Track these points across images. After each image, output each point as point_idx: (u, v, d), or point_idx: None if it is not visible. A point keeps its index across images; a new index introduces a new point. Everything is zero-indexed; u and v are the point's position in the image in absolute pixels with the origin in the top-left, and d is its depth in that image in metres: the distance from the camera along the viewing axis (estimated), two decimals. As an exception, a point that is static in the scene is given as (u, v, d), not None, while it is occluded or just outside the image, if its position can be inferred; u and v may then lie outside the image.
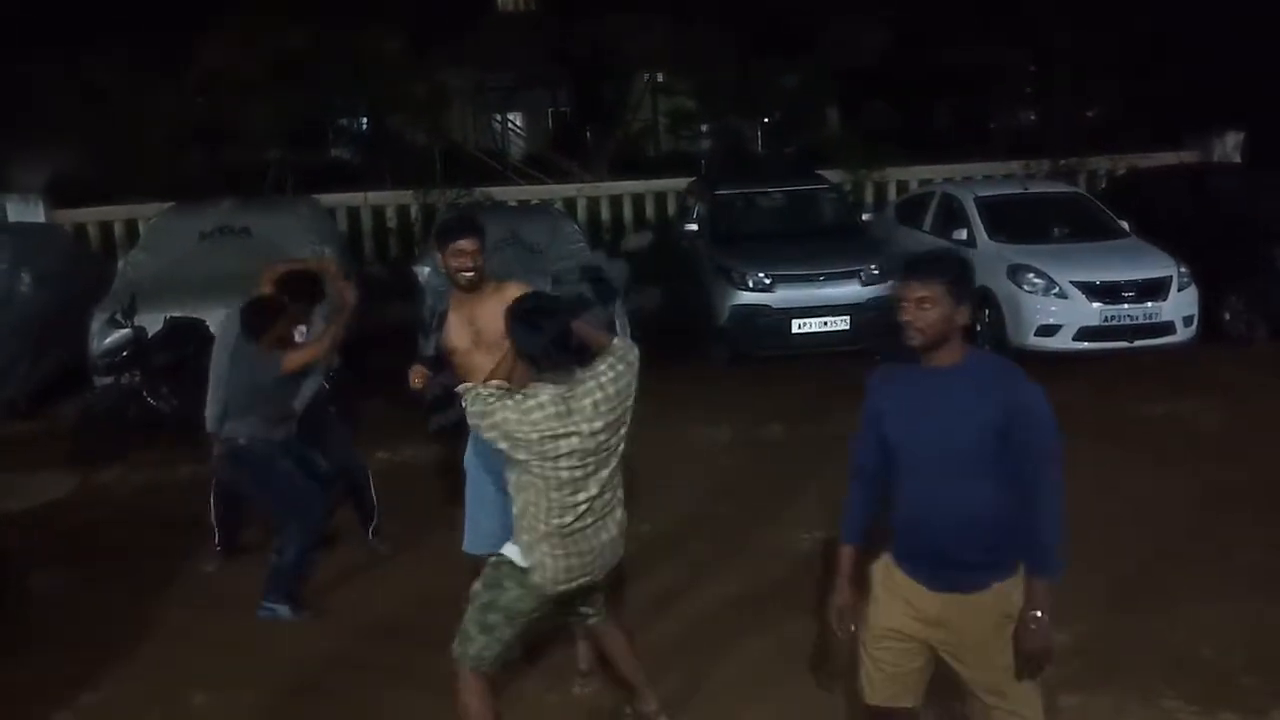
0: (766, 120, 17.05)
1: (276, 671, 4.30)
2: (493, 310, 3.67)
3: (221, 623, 4.72)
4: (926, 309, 2.70)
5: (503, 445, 3.12)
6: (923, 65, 15.26)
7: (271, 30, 12.64)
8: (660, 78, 17.02)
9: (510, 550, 3.30)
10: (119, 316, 6.94)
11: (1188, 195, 10.37)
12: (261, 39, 12.61)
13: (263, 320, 4.61)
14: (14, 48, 12.87)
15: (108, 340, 7.23)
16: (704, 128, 17.31)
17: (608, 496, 3.27)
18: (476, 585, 3.36)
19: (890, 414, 2.86)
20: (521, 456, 3.11)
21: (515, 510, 3.25)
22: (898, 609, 2.88)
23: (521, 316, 3.19)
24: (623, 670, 3.72)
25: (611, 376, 3.20)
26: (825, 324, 8.56)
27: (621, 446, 3.28)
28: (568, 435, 3.09)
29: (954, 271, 2.75)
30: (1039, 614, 2.67)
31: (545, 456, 3.09)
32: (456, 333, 3.95)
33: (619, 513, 3.36)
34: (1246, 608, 4.52)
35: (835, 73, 15.04)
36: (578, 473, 3.14)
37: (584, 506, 3.19)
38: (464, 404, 3.18)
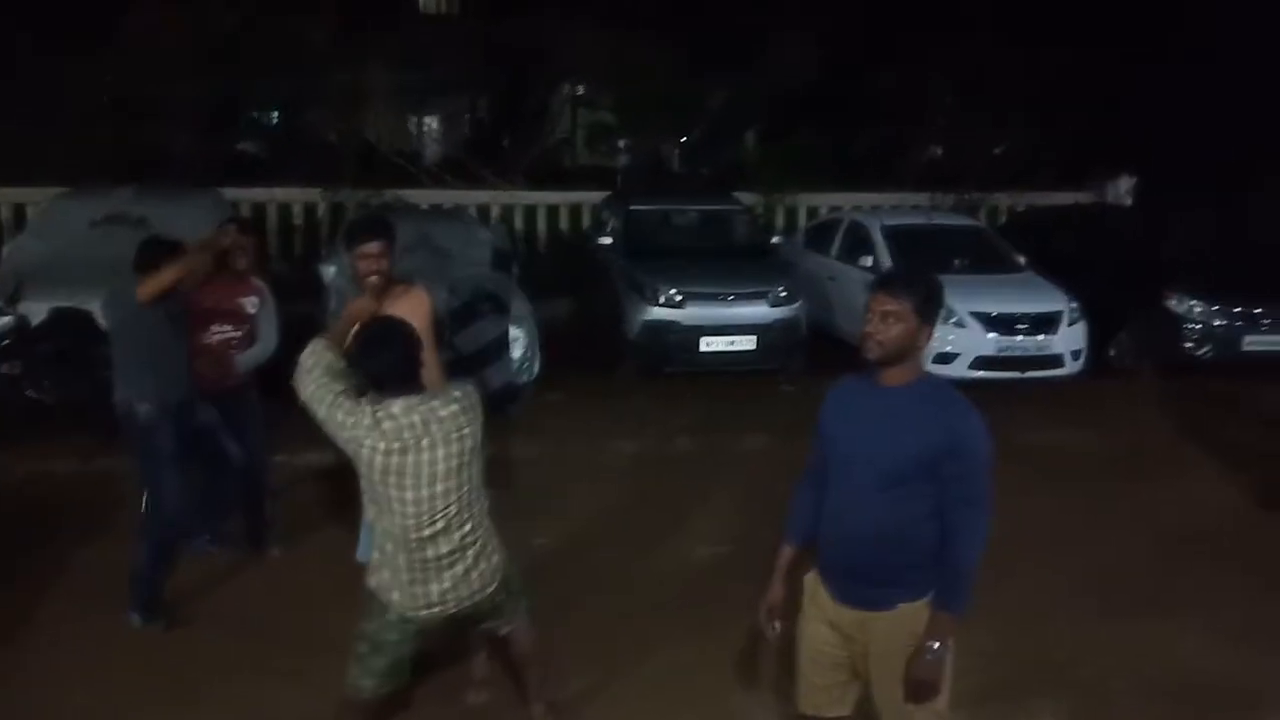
0: (684, 139, 17.21)
1: (154, 674, 4.13)
2: (401, 312, 3.60)
3: (98, 621, 4.51)
4: (890, 323, 2.71)
5: (343, 446, 3.12)
6: (839, 94, 15.59)
7: (192, 8, 12.21)
8: (581, 90, 17.04)
9: (372, 578, 3.25)
10: (2, 303, 6.62)
11: (1082, 234, 10.83)
12: (181, 17, 12.16)
13: (157, 255, 4.30)
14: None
15: (-12, 326, 6.88)
16: (622, 143, 17.37)
17: (464, 532, 3.17)
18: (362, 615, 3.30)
19: (831, 424, 2.90)
20: (362, 469, 3.10)
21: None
22: (817, 620, 2.93)
23: (365, 341, 3.17)
24: (524, 675, 3.68)
25: (449, 412, 3.11)
26: (732, 343, 8.66)
27: (471, 487, 3.19)
28: (386, 453, 3.03)
29: (924, 292, 2.77)
30: (935, 645, 2.72)
31: (372, 472, 3.06)
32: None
33: (484, 546, 3.25)
34: (1124, 627, 4.72)
35: (758, 96, 15.26)
36: (408, 495, 3.06)
37: (428, 534, 3.10)
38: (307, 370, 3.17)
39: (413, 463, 3.05)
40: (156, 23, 12.32)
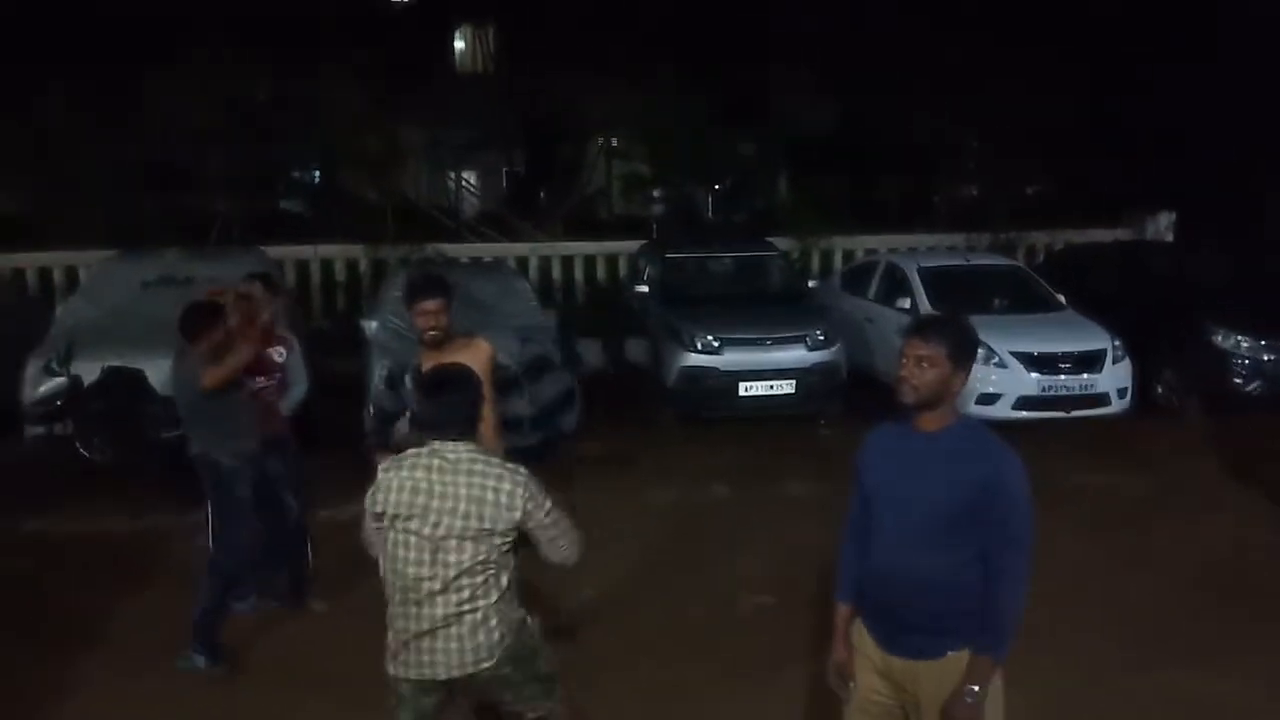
0: (718, 187, 17.35)
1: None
2: (460, 359, 3.75)
3: (143, 677, 4.57)
4: (925, 368, 2.72)
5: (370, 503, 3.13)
6: (872, 138, 15.68)
7: (229, 76, 12.59)
8: (614, 142, 17.27)
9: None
10: (54, 364, 6.78)
11: (1122, 271, 10.72)
12: (218, 84, 12.54)
13: (198, 320, 4.58)
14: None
15: (42, 388, 7.04)
16: (656, 193, 17.55)
17: (461, 598, 3.04)
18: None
19: (871, 471, 2.89)
20: (377, 508, 3.10)
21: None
22: (866, 670, 2.90)
23: (430, 383, 3.23)
24: None
25: (480, 474, 3.04)
26: (771, 387, 8.65)
27: (489, 561, 3.06)
28: (408, 489, 3.04)
29: (959, 337, 2.78)
30: (975, 688, 2.68)
31: (379, 509, 3.08)
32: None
33: (485, 620, 3.08)
34: (1171, 678, 4.60)
35: (787, 143, 15.38)
36: (410, 539, 3.04)
37: (406, 582, 3.05)
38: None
39: (421, 508, 3.02)
40: (195, 89, 12.69)
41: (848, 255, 13.61)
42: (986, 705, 2.75)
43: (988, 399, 8.24)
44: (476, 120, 16.71)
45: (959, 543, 2.70)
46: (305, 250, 12.93)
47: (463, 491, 3.02)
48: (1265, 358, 8.89)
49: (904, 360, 2.76)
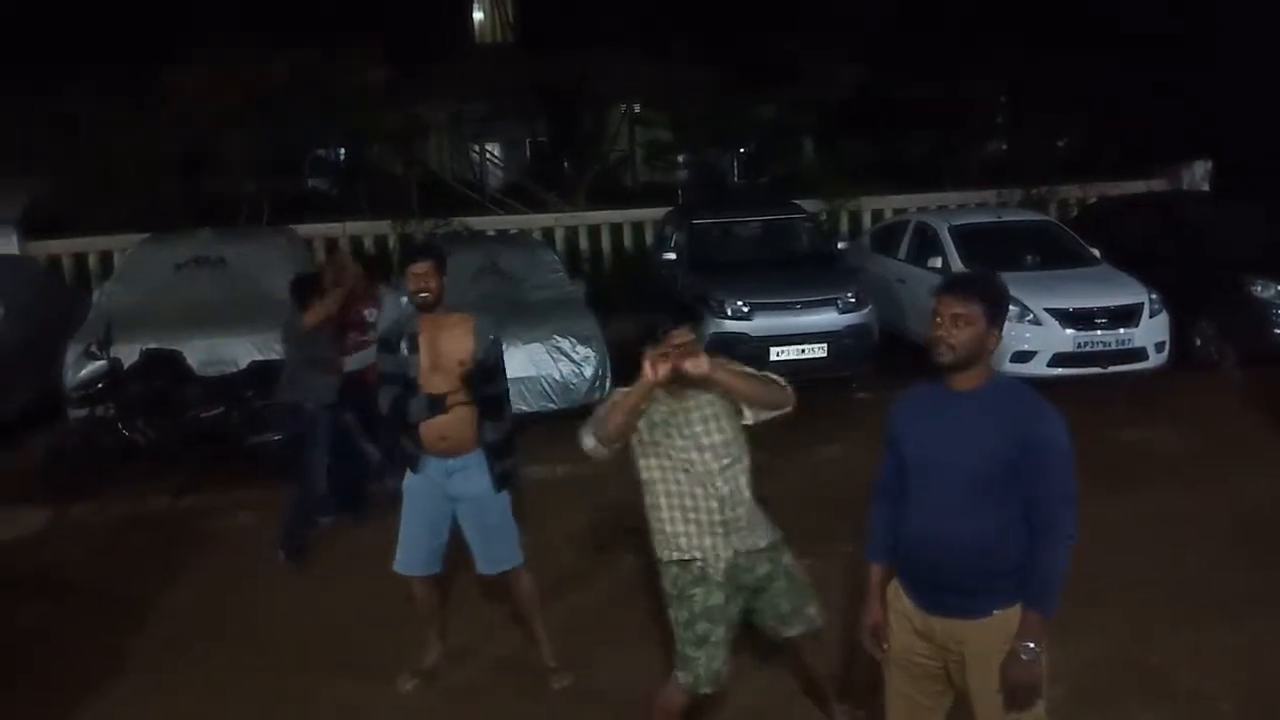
0: (743, 151, 17.20)
1: (246, 708, 4.25)
2: (453, 337, 4.04)
3: (192, 657, 4.67)
4: (961, 326, 2.68)
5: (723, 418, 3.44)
6: (897, 97, 15.47)
7: (248, 60, 12.62)
8: (637, 109, 17.15)
9: (669, 553, 3.46)
10: (94, 348, 6.89)
11: (1158, 223, 10.52)
12: (238, 69, 12.58)
13: (305, 289, 5.69)
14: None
15: (83, 372, 7.17)
16: (680, 158, 17.43)
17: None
18: (669, 612, 3.49)
19: (906, 434, 2.86)
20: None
21: (664, 506, 3.45)
22: (904, 631, 2.90)
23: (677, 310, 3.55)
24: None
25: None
26: (803, 351, 8.61)
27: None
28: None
29: (994, 292, 2.75)
30: (1030, 645, 2.65)
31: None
32: (420, 353, 4.09)
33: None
34: (1218, 632, 4.56)
35: (812, 104, 15.19)
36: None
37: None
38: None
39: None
40: (215, 73, 12.75)
41: (876, 215, 13.46)
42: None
43: (1023, 356, 8.16)
44: (498, 92, 16.65)
45: (1001, 503, 2.67)
46: (334, 228, 13.00)
47: None
48: (1306, 307, 8.72)
49: (937, 320, 2.72)
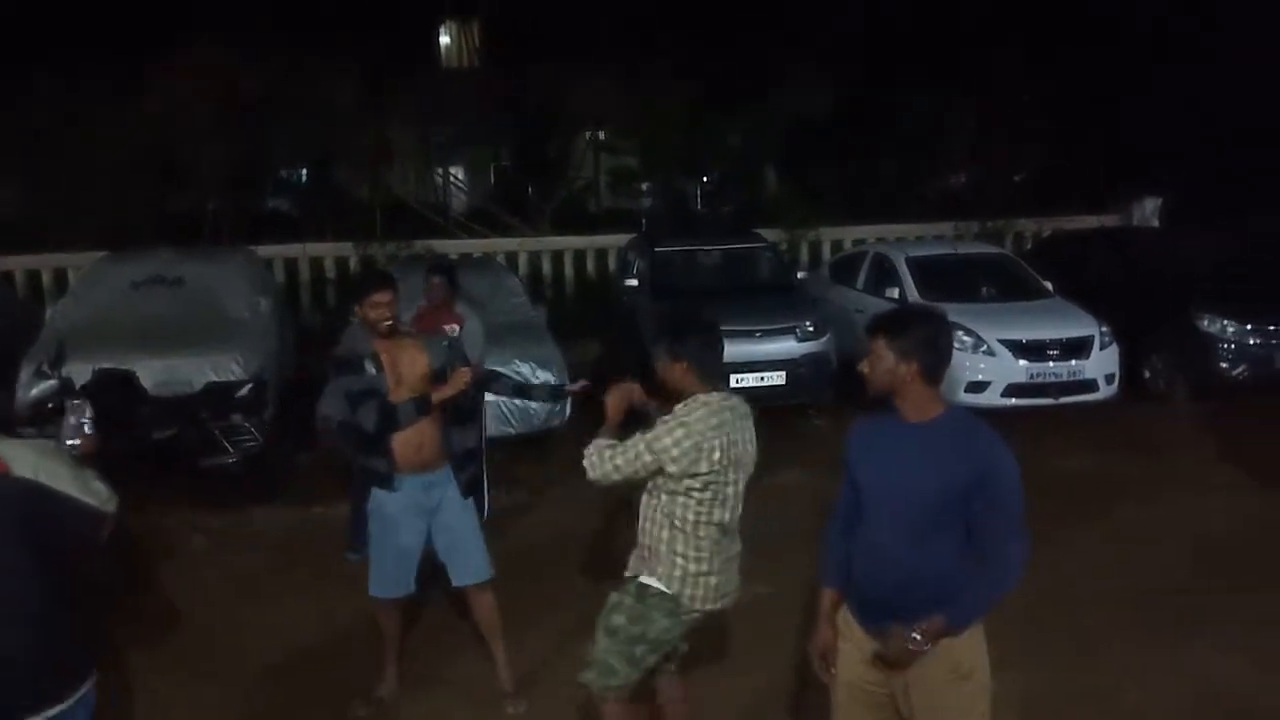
0: (706, 179, 17.37)
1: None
2: (411, 357, 4.17)
3: (148, 661, 4.60)
4: (872, 362, 2.83)
5: (683, 462, 3.21)
6: (857, 125, 15.71)
7: (218, 70, 12.53)
8: (602, 136, 17.27)
9: (654, 580, 3.38)
10: (45, 367, 6.76)
11: (1109, 257, 10.76)
12: (208, 77, 12.48)
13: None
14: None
15: (34, 391, 7.04)
16: (644, 186, 17.56)
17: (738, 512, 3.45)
18: (616, 619, 3.42)
19: (859, 463, 2.93)
20: (704, 468, 3.23)
21: (663, 536, 3.35)
22: (854, 658, 2.93)
23: (695, 330, 3.38)
24: None
25: (744, 410, 3.45)
26: (761, 379, 8.67)
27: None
28: (742, 444, 3.34)
29: (895, 327, 2.82)
30: (917, 637, 2.68)
31: (729, 466, 3.27)
32: (386, 372, 4.16)
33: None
34: (1172, 654, 4.67)
35: (776, 130, 15.38)
36: (739, 487, 3.38)
37: (729, 527, 3.41)
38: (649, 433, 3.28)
39: (739, 451, 3.33)
40: (185, 85, 12.64)
41: (836, 246, 13.66)
42: (975, 692, 2.79)
43: (976, 387, 8.30)
44: (463, 116, 16.69)
45: (949, 533, 2.72)
46: (294, 249, 12.94)
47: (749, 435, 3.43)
48: (1250, 342, 8.96)
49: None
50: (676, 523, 3.32)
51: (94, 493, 2.71)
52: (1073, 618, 4.98)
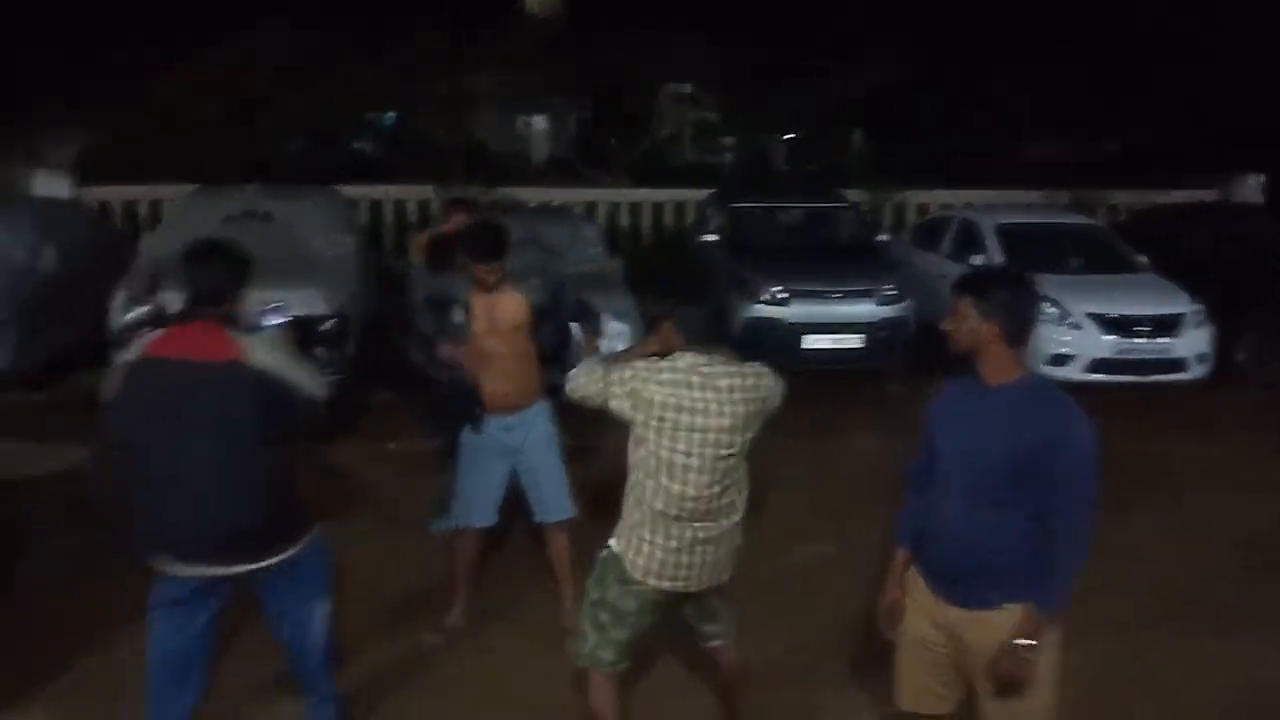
0: (789, 137, 17.10)
1: (260, 658, 4.34)
2: (507, 303, 4.23)
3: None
4: (956, 320, 2.82)
5: (626, 406, 3.15)
6: (949, 90, 15.30)
7: (310, 18, 12.71)
8: (686, 89, 17.12)
9: (613, 541, 3.31)
10: (140, 294, 7.01)
11: (1208, 233, 10.36)
12: (297, 28, 12.68)
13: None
14: (46, 29, 12.95)
15: (129, 316, 7.28)
16: (727, 141, 17.37)
17: (721, 503, 3.19)
18: (589, 582, 3.36)
19: (936, 423, 2.93)
20: (640, 417, 3.12)
21: (627, 491, 3.26)
22: (921, 619, 2.94)
23: (685, 294, 3.31)
24: (731, 698, 3.69)
25: (752, 378, 3.21)
26: (837, 341, 8.58)
27: (740, 460, 3.23)
28: (690, 410, 3.09)
29: (980, 287, 2.82)
30: (1024, 642, 2.70)
31: (662, 427, 3.10)
32: (476, 319, 4.26)
33: (730, 527, 3.26)
34: (1249, 648, 4.55)
35: (863, 95, 15.08)
36: (690, 460, 3.10)
37: (690, 502, 3.13)
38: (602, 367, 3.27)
39: (687, 421, 3.09)
40: (275, 33, 12.85)
41: (921, 210, 13.36)
42: (1043, 664, 2.76)
43: (1059, 360, 8.08)
44: (547, 66, 16.68)
45: (1019, 497, 2.71)
46: (379, 190, 13.10)
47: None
48: (1353, 327, 8.57)
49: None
50: (632, 477, 3.22)
51: (310, 379, 3.22)
52: (1129, 601, 4.87)
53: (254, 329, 3.46)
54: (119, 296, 7.57)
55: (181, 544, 3.11)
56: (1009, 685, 2.74)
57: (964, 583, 2.81)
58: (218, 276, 3.21)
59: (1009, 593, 2.75)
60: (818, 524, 5.80)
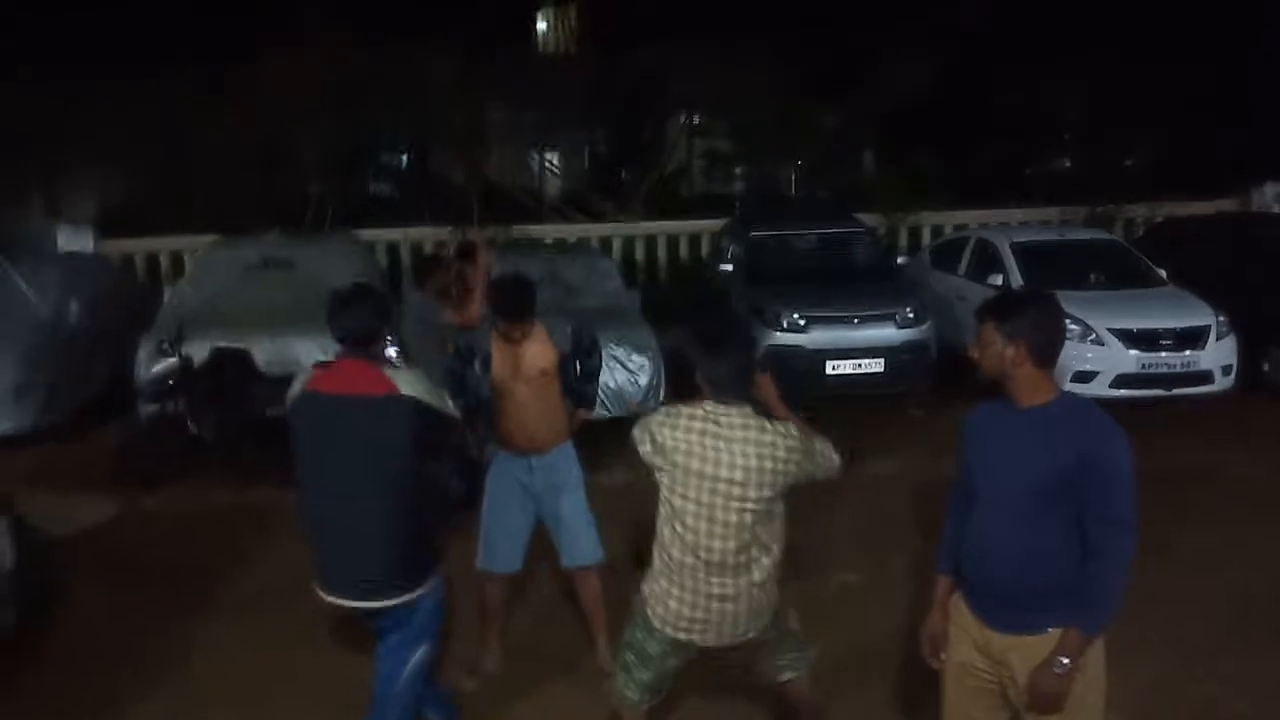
0: (801, 163, 17.14)
1: (310, 699, 4.35)
2: (532, 348, 4.19)
3: (257, 646, 4.79)
4: (981, 346, 2.82)
5: (648, 448, 3.13)
6: (960, 108, 15.31)
7: (322, 58, 12.86)
8: (696, 119, 17.21)
9: (644, 585, 3.28)
10: (166, 345, 7.09)
11: (1228, 244, 10.29)
12: (312, 66, 12.82)
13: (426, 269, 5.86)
14: (65, 79, 13.14)
15: (155, 368, 7.37)
16: (739, 170, 17.44)
17: (739, 560, 3.08)
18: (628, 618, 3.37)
19: (972, 446, 2.92)
20: (658, 461, 3.10)
21: (655, 537, 3.25)
22: (965, 645, 2.92)
23: (708, 342, 3.13)
24: None
25: (772, 435, 3.04)
26: (859, 366, 8.57)
27: (764, 519, 3.09)
28: (701, 458, 3.01)
29: (1003, 311, 2.81)
30: (1064, 660, 2.67)
31: (674, 473, 3.06)
32: (499, 364, 4.22)
33: (749, 586, 3.12)
34: (1271, 662, 4.48)
35: (873, 115, 15.10)
36: (700, 509, 3.03)
37: (703, 553, 3.05)
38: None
39: (696, 468, 3.02)
40: (287, 72, 13.02)
41: (936, 231, 13.36)
42: (1087, 686, 2.73)
43: (1084, 376, 8.03)
44: (559, 100, 16.81)
45: (1057, 517, 2.69)
46: (396, 233, 13.23)
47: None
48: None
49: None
50: (657, 523, 3.19)
51: (449, 404, 3.44)
52: (1175, 622, 4.80)
53: (390, 364, 3.61)
54: (145, 349, 7.66)
55: (322, 574, 3.31)
56: (1042, 701, 2.71)
57: (1008, 606, 2.79)
58: (366, 316, 3.35)
59: (1053, 616, 2.72)
60: (845, 553, 5.75)
